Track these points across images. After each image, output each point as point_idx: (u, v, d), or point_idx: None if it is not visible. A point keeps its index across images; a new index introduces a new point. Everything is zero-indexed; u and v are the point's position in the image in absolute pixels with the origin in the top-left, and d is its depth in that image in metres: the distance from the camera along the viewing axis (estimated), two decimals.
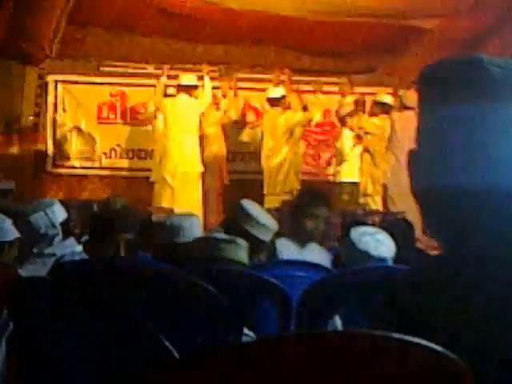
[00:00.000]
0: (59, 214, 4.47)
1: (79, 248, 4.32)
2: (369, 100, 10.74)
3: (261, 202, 9.93)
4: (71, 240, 4.45)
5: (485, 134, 1.25)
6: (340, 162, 10.61)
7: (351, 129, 10.47)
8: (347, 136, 10.53)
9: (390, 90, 10.88)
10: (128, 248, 4.10)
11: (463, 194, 1.26)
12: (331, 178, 11.03)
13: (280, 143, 10.37)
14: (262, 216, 4.33)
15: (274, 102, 10.46)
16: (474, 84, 1.27)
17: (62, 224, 4.43)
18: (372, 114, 10.48)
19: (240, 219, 4.25)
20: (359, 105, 10.66)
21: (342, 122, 10.69)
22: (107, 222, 4.16)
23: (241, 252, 3.69)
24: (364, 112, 10.56)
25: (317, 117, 10.67)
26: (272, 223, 4.37)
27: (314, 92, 10.80)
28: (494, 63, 1.28)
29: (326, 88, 11.32)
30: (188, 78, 10.25)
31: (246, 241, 3.90)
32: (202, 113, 10.37)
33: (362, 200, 10.19)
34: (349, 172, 10.44)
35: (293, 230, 4.92)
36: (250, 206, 4.36)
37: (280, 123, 10.35)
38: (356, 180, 10.39)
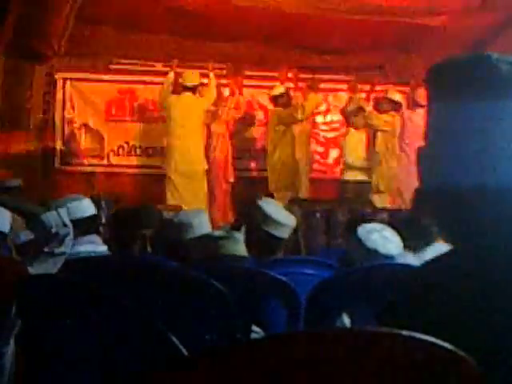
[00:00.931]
0: (77, 211, 4.45)
1: (102, 248, 4.31)
2: (378, 97, 10.72)
3: None
4: (93, 238, 4.41)
5: (495, 131, 1.25)
6: (345, 161, 10.61)
7: (356, 128, 10.45)
8: (353, 134, 10.53)
9: (400, 88, 10.88)
10: (152, 243, 4.10)
11: (473, 191, 1.26)
12: (339, 176, 11.02)
13: (276, 140, 10.43)
14: (280, 214, 4.34)
15: (275, 100, 10.54)
16: (484, 81, 1.27)
17: (83, 220, 4.40)
18: (382, 112, 10.46)
19: (257, 219, 4.25)
20: (371, 103, 10.66)
21: (348, 120, 10.69)
22: (132, 217, 4.17)
23: (239, 246, 3.71)
24: (375, 109, 10.54)
25: (301, 113, 10.58)
26: (289, 220, 4.38)
27: (311, 89, 10.78)
28: (503, 60, 1.28)
29: (334, 86, 11.34)
30: (191, 79, 10.28)
31: (264, 240, 3.92)
32: (208, 110, 10.41)
33: (371, 197, 10.18)
34: (356, 171, 10.42)
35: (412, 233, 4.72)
36: (266, 205, 4.37)
37: (275, 121, 10.43)
38: (363, 179, 10.37)
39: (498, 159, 1.24)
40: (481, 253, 1.27)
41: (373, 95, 10.84)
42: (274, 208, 4.37)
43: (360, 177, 10.39)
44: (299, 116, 10.45)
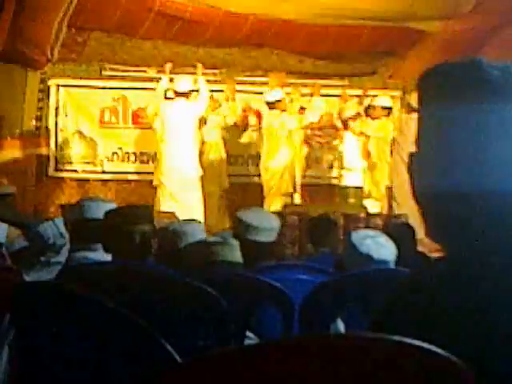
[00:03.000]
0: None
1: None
2: (370, 103, 10.74)
3: (261, 205, 9.98)
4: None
5: (484, 136, 1.25)
6: (342, 166, 10.63)
7: (354, 132, 10.47)
8: (350, 139, 10.54)
9: (393, 93, 10.91)
10: (145, 239, 4.08)
11: (463, 195, 1.26)
12: (333, 182, 11.03)
13: (276, 146, 10.40)
14: (259, 219, 4.35)
15: (271, 104, 10.51)
16: (474, 86, 1.27)
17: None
18: (373, 117, 10.48)
19: (239, 230, 4.27)
20: (362, 108, 10.68)
21: (345, 125, 10.71)
22: (121, 215, 4.15)
23: (234, 253, 3.71)
24: (367, 115, 10.56)
25: (311, 119, 10.60)
26: (271, 223, 4.39)
27: (311, 95, 10.80)
28: (493, 66, 1.28)
29: (327, 91, 11.35)
30: (182, 84, 10.27)
31: (250, 247, 3.92)
32: (201, 117, 10.39)
33: (364, 203, 10.19)
34: (352, 176, 10.43)
35: None
36: (244, 214, 4.39)
37: (276, 126, 10.39)
38: (359, 185, 10.38)
39: (487, 163, 1.25)
40: (471, 256, 1.27)
41: (366, 101, 10.85)
42: (252, 215, 4.38)
43: (356, 182, 10.39)
44: (304, 121, 10.46)
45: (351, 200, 10.29)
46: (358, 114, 10.53)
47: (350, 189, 10.40)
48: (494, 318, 1.20)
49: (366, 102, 10.82)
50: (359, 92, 11.20)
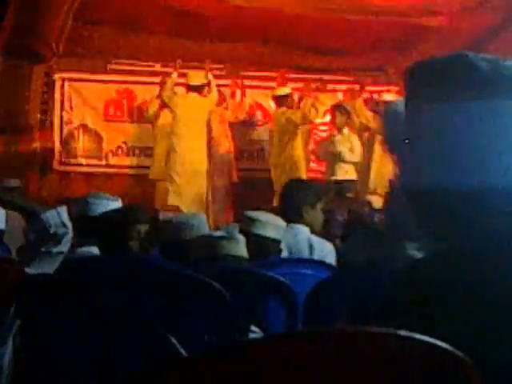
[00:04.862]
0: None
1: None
2: (375, 98, 10.72)
3: (271, 200, 9.97)
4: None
5: (473, 130, 1.25)
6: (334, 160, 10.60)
7: (339, 128, 10.38)
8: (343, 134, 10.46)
9: (398, 88, 10.87)
10: (144, 239, 4.08)
11: (451, 192, 1.26)
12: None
13: (283, 141, 10.39)
14: (270, 217, 4.38)
15: (279, 100, 10.50)
16: (462, 79, 1.27)
17: None
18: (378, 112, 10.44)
19: (249, 226, 4.28)
20: (368, 104, 10.65)
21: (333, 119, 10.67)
22: (119, 215, 4.15)
23: (240, 247, 3.73)
24: (375, 111, 10.51)
25: (314, 115, 10.54)
26: (280, 221, 4.42)
27: (317, 90, 10.78)
28: (481, 59, 1.28)
29: (333, 86, 11.33)
30: (196, 78, 10.26)
31: (259, 243, 3.94)
32: (212, 110, 10.38)
33: (367, 198, 10.15)
34: (347, 170, 10.37)
35: None
36: (255, 213, 4.42)
37: (282, 122, 10.38)
38: (352, 178, 10.32)
39: (476, 159, 1.24)
40: (460, 253, 1.27)
41: (365, 95, 10.83)
42: (263, 215, 4.42)
43: (350, 176, 10.33)
44: (313, 117, 10.43)
45: (351, 194, 10.20)
46: (339, 107, 10.43)
47: (346, 183, 10.30)
48: (488, 312, 1.21)
49: (364, 96, 10.79)
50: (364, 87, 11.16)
